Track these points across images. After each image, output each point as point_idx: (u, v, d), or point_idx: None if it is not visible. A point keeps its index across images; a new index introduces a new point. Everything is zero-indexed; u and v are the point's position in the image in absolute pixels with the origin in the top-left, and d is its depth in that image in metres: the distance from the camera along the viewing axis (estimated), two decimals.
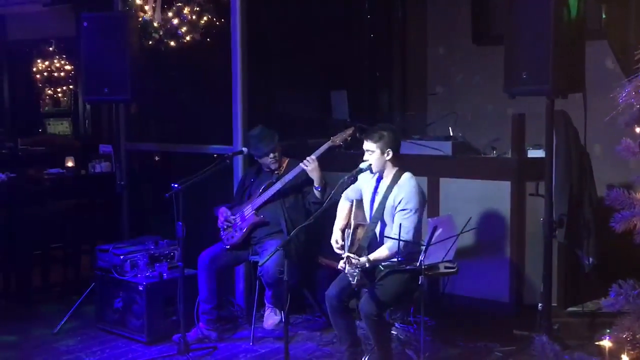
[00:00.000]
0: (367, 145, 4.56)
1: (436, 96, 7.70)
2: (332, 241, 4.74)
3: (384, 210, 4.53)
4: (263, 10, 6.39)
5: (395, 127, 4.93)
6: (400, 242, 4.28)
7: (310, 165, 5.23)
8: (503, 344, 5.04)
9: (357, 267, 4.15)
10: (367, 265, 4.25)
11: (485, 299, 5.51)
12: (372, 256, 4.35)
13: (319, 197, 5.24)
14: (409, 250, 4.38)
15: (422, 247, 4.30)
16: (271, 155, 5.43)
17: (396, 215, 4.48)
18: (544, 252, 4.94)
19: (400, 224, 4.36)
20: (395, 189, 4.53)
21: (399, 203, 4.47)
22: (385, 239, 4.48)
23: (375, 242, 4.54)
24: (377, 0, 7.75)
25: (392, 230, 4.41)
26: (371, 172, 4.62)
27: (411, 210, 4.45)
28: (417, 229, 4.48)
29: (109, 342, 5.42)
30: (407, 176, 4.57)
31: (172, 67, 6.53)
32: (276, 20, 6.57)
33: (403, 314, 5.25)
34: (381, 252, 4.41)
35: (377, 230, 4.57)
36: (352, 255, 4.22)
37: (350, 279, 4.17)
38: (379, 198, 4.58)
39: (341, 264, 4.30)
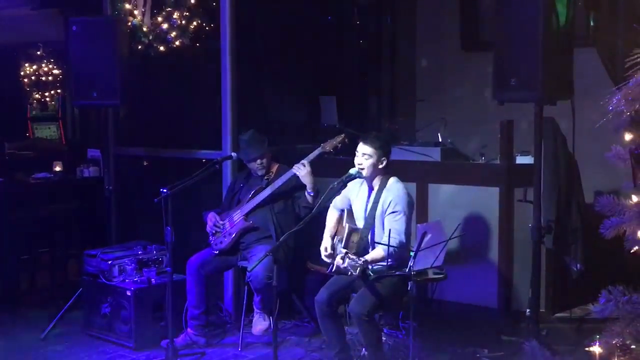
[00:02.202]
0: (365, 149, 4.56)
1: (425, 102, 7.72)
2: (322, 248, 4.74)
3: (374, 216, 4.55)
4: (253, 15, 6.39)
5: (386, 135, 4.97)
6: (392, 245, 4.30)
7: (302, 170, 5.22)
8: (491, 349, 5.04)
9: (358, 261, 4.17)
10: (364, 265, 4.25)
11: (473, 304, 5.53)
12: (368, 257, 4.38)
13: (311, 201, 5.23)
14: (402, 252, 4.40)
15: (411, 252, 4.31)
16: (258, 161, 5.42)
17: (386, 218, 4.50)
18: (532, 258, 4.95)
19: (390, 229, 4.38)
20: (384, 193, 4.56)
21: (388, 206, 4.51)
22: (376, 245, 4.50)
23: (367, 250, 4.55)
24: (366, 6, 7.76)
25: (383, 235, 4.43)
26: (360, 177, 4.63)
27: (400, 212, 4.49)
28: (408, 232, 4.51)
29: (97, 347, 5.40)
30: (393, 180, 4.62)
31: (161, 72, 6.51)
32: (266, 25, 6.57)
33: (392, 319, 5.25)
34: (377, 253, 4.42)
35: (369, 237, 4.59)
36: (350, 252, 4.26)
37: (352, 270, 4.17)
38: (370, 205, 4.60)
39: (338, 260, 4.31)
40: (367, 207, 4.63)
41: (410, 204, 4.59)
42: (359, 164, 4.58)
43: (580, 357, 4.10)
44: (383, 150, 4.59)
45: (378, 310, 4.60)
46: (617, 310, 3.34)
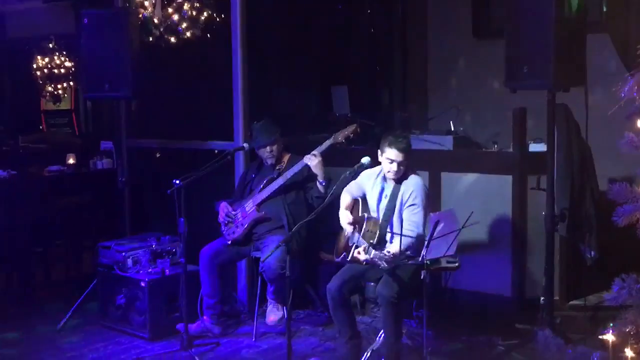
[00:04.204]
0: (400, 156, 4.49)
1: (437, 90, 7.69)
2: (341, 217, 4.72)
3: (394, 208, 4.55)
4: (263, 5, 6.38)
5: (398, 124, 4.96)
6: (407, 235, 4.32)
7: (314, 161, 5.21)
8: (505, 337, 5.05)
9: (386, 254, 4.18)
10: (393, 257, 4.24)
11: (487, 293, 5.51)
12: (392, 249, 4.34)
13: (323, 191, 5.22)
14: (420, 245, 4.39)
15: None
16: (268, 148, 5.42)
17: (405, 210, 4.51)
18: (545, 246, 4.94)
19: (409, 222, 4.44)
20: (403, 185, 4.58)
21: (409, 198, 4.52)
22: (395, 236, 4.49)
23: (384, 243, 4.55)
24: None
25: (402, 227, 4.45)
26: (372, 168, 4.64)
27: (419, 205, 4.51)
28: (424, 225, 4.51)
29: (112, 338, 5.43)
30: (413, 175, 4.62)
31: (172, 64, 6.52)
32: (276, 15, 6.56)
33: (406, 308, 5.25)
34: (394, 247, 4.35)
35: (388, 229, 4.58)
36: (373, 244, 4.29)
37: (384, 263, 4.18)
38: (387, 198, 4.60)
39: (360, 252, 4.31)
40: (382, 199, 4.64)
41: (428, 198, 4.62)
42: (394, 172, 4.53)
43: (593, 345, 4.08)
44: (411, 150, 4.57)
45: (405, 295, 4.48)
46: (630, 298, 3.33)
